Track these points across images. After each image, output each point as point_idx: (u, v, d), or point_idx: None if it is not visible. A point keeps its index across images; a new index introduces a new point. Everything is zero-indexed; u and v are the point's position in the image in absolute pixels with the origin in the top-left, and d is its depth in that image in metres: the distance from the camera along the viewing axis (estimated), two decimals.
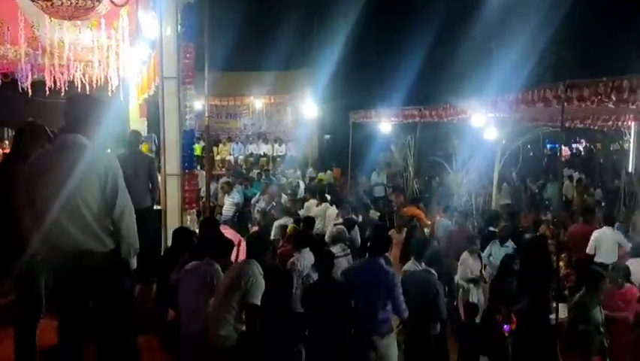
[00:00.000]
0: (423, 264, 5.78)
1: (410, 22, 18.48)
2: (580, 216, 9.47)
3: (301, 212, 9.88)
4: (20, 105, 9.35)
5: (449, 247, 8.02)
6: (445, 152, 14.51)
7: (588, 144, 28.38)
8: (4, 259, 3.74)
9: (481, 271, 7.26)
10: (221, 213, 11.38)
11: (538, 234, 8.49)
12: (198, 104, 10.18)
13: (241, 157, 19.22)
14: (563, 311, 6.72)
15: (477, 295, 7.01)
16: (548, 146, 26.94)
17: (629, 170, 12.63)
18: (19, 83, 8.36)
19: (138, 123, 9.79)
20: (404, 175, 14.90)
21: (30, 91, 8.40)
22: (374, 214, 9.66)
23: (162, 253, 6.17)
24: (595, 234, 8.08)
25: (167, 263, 5.25)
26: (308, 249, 6.16)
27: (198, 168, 12.30)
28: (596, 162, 21.55)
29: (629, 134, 11.96)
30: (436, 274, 5.69)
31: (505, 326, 5.90)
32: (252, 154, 19.42)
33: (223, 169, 16.87)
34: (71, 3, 4.69)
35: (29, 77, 8.24)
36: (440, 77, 18.06)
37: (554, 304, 7.08)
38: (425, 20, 17.65)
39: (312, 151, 20.43)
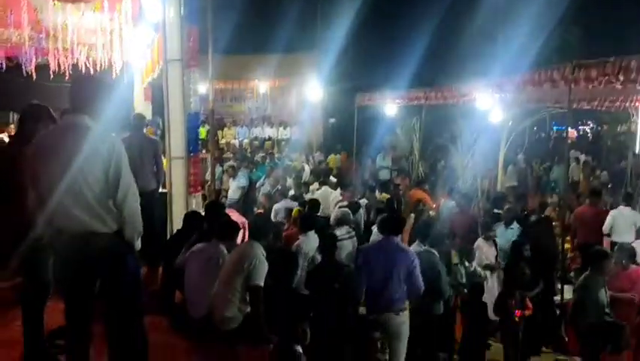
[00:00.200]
0: (427, 245, 5.81)
1: (415, 3, 18.32)
2: (587, 198, 9.43)
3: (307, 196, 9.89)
4: (25, 89, 9.35)
5: (452, 229, 7.99)
6: (451, 134, 14.45)
7: (595, 126, 28.21)
8: (10, 242, 3.77)
9: (496, 258, 7.20)
10: (226, 197, 11.40)
11: (543, 216, 8.47)
12: (202, 88, 10.11)
13: (246, 141, 19.20)
14: (568, 293, 6.75)
15: (492, 282, 6.94)
16: (555, 128, 26.78)
17: (636, 152, 12.55)
18: (24, 67, 8.34)
19: (143, 107, 9.77)
20: (409, 158, 14.87)
21: (34, 75, 8.38)
22: (384, 197, 9.63)
23: (169, 236, 6.19)
24: (612, 213, 8.06)
25: (175, 246, 5.28)
26: (313, 231, 6.18)
27: (203, 151, 12.31)
28: (603, 144, 21.45)
29: (637, 115, 11.85)
30: (437, 255, 5.75)
31: (516, 312, 5.80)
32: (256, 138, 19.38)
33: (228, 153, 16.84)
34: None
35: (33, 60, 8.21)
36: (446, 59, 17.92)
37: (559, 286, 7.13)
38: (431, 1, 17.49)
39: (316, 134, 20.37)
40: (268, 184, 11.44)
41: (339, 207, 7.86)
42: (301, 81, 19.04)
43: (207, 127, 14.12)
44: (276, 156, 16.22)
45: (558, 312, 6.93)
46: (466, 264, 6.74)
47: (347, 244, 6.56)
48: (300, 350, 3.55)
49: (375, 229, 7.26)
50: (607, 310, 5.37)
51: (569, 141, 15.84)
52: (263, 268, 4.58)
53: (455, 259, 6.66)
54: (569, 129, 10.09)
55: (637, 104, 10.73)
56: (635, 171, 11.96)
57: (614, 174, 14.67)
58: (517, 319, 5.79)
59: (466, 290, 6.34)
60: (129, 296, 3.13)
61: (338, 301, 5.26)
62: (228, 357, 4.28)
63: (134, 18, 6.74)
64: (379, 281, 5.00)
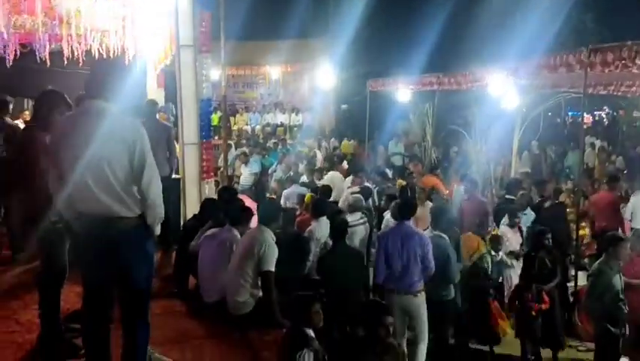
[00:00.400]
0: (437, 230, 5.81)
1: None
2: (602, 184, 9.34)
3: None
4: (39, 76, 9.38)
5: (461, 215, 7.95)
6: (464, 120, 14.33)
7: (611, 111, 27.83)
8: (27, 225, 3.82)
9: (521, 245, 7.13)
10: (238, 183, 11.45)
11: (557, 202, 8.40)
12: (215, 74, 10.13)
13: (258, 127, 19.21)
14: (582, 279, 6.71)
15: (519, 270, 6.75)
16: (570, 113, 26.46)
17: None
18: (37, 54, 8.36)
19: (155, 93, 9.80)
20: (422, 144, 14.78)
21: (48, 61, 8.40)
22: (400, 184, 9.61)
23: (182, 222, 6.25)
24: (632, 198, 7.99)
25: (190, 232, 5.33)
26: (325, 217, 6.18)
27: (216, 138, 12.35)
28: (619, 130, 21.17)
29: None
30: (447, 239, 5.76)
31: (532, 305, 5.72)
32: (268, 124, 19.38)
33: (243, 140, 16.90)
34: None
35: (47, 47, 8.22)
36: (459, 44, 17.64)
37: (573, 273, 7.09)
38: None
39: (329, 120, 20.31)
40: (280, 170, 11.47)
41: (352, 193, 7.84)
42: (313, 67, 18.92)
43: (219, 113, 14.17)
44: (288, 142, 16.23)
45: (572, 299, 6.90)
46: (492, 253, 6.72)
47: (360, 229, 6.56)
48: (312, 334, 3.56)
49: (387, 215, 7.25)
50: (621, 296, 5.33)
51: (585, 127, 15.66)
52: (273, 253, 4.62)
53: (483, 248, 6.62)
54: (585, 115, 9.94)
55: None
56: None
57: (630, 160, 14.49)
58: (533, 313, 5.71)
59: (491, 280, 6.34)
60: (145, 281, 3.16)
61: (349, 286, 5.32)
62: (241, 342, 4.32)
63: (146, 4, 6.74)
64: (399, 265, 5.14)
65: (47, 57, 8.39)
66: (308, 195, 7.77)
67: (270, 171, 12.12)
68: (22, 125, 6.40)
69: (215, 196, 6.67)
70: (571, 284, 7.07)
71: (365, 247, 6.81)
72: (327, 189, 7.93)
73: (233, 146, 14.21)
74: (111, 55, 8.59)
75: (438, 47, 16.96)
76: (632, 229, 7.63)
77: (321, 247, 5.95)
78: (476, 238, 6.77)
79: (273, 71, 19.88)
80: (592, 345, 5.89)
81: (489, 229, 7.51)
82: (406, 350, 4.94)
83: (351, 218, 6.58)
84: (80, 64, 8.44)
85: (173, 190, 6.64)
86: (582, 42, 7.39)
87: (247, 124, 19.59)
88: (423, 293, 5.24)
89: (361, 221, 6.69)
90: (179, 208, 6.68)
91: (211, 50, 6.94)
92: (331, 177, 9.85)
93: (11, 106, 7.13)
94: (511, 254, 6.97)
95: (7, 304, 4.76)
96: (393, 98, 13.53)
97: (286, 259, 4.88)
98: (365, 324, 3.75)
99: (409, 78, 12.41)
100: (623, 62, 5.96)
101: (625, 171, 12.87)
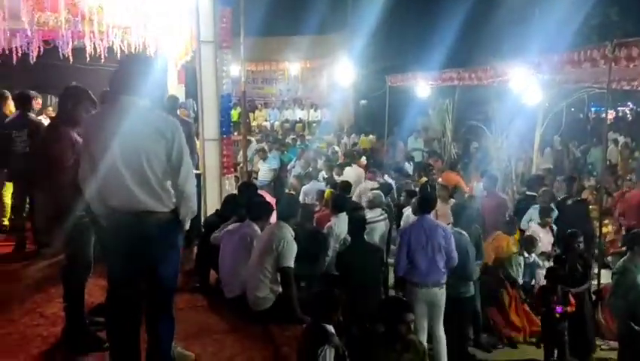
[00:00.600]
0: (457, 227, 5.81)
1: None
2: (627, 180, 9.17)
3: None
4: (61, 72, 9.51)
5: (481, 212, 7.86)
6: (485, 115, 14.18)
7: (635, 107, 27.35)
8: (52, 219, 3.87)
9: (553, 245, 7.00)
10: (256, 179, 11.49)
11: (579, 199, 8.28)
12: (234, 70, 10.18)
13: (277, 123, 19.25)
14: (605, 277, 6.61)
15: None
16: (592, 109, 26.04)
17: None
18: (60, 50, 8.46)
19: (176, 90, 9.87)
20: (442, 140, 14.68)
21: (71, 58, 8.50)
22: (421, 181, 9.56)
23: (203, 218, 6.28)
24: None
25: (212, 227, 5.35)
26: (345, 213, 6.17)
27: (235, 133, 12.39)
28: None
29: None
30: (467, 236, 5.74)
31: (557, 308, 5.58)
32: (287, 120, 19.41)
33: (259, 135, 16.97)
34: None
35: (70, 44, 8.32)
36: (480, 39, 17.43)
37: (596, 271, 6.98)
38: None
39: (347, 116, 20.26)
40: (299, 166, 11.48)
41: (371, 189, 7.82)
42: (332, 63, 18.90)
43: (239, 109, 14.22)
44: (307, 138, 16.24)
45: (594, 297, 6.80)
46: (526, 254, 6.61)
47: (380, 226, 6.55)
48: (332, 330, 3.56)
49: (407, 211, 7.21)
50: None
51: (608, 122, 15.40)
52: (292, 249, 4.62)
53: (514, 248, 6.50)
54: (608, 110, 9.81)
55: None
56: None
57: None
58: (557, 315, 5.58)
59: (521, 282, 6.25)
60: (172, 276, 3.17)
61: (368, 282, 5.32)
62: (262, 337, 4.33)
63: (167, 0, 6.78)
64: (424, 259, 5.17)
65: (70, 54, 8.50)
66: (328, 190, 7.77)
67: (288, 167, 12.14)
68: (45, 121, 6.48)
69: (235, 192, 6.70)
70: (594, 282, 6.97)
71: (385, 244, 6.81)
72: (347, 185, 7.92)
73: (254, 141, 14.27)
74: (133, 51, 8.70)
75: (458, 42, 16.76)
76: None
77: (340, 243, 5.94)
78: (506, 237, 6.68)
79: (292, 67, 19.89)
80: (616, 344, 5.82)
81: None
82: (426, 346, 4.93)
83: (371, 214, 6.57)
84: (103, 60, 8.54)
85: None
86: (606, 36, 7.26)
87: (266, 120, 19.65)
88: (445, 285, 5.30)
89: (381, 217, 6.68)
90: (199, 204, 6.71)
91: (231, 45, 6.97)
92: (351, 173, 9.83)
93: (40, 101, 7.24)
94: (543, 255, 6.81)
95: (31, 297, 4.82)
96: (413, 93, 13.45)
97: (304, 255, 4.88)
98: (385, 321, 3.73)
99: (429, 73, 12.32)
100: None
101: None
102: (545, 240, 6.97)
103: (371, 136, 17.18)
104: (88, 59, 8.37)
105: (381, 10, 17.77)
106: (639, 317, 5.16)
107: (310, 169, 10.90)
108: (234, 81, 8.84)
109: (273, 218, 5.22)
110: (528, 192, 8.42)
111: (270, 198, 6.66)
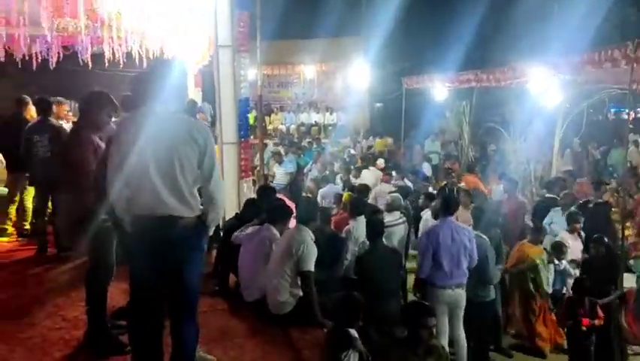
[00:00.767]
0: (478, 230, 5.75)
1: None
2: None
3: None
4: (81, 77, 9.62)
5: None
6: (502, 117, 14.06)
7: None
8: (74, 223, 3.89)
9: (582, 252, 6.77)
10: (272, 182, 11.49)
11: (602, 201, 8.15)
12: (250, 74, 10.20)
13: (293, 126, 19.28)
14: (629, 281, 6.49)
15: None
16: (612, 110, 25.68)
17: None
18: (80, 56, 8.56)
19: (193, 93, 9.92)
20: (459, 142, 14.56)
21: (90, 63, 8.59)
22: (439, 184, 9.50)
23: (222, 221, 6.28)
24: None
25: (231, 231, 5.35)
26: (363, 216, 6.14)
27: (251, 137, 12.40)
28: None
29: None
30: (487, 239, 5.70)
31: (585, 321, 5.37)
32: (303, 123, 19.44)
33: (275, 139, 17.00)
34: None
35: (89, 49, 8.42)
36: (498, 39, 17.28)
37: None
38: None
39: (363, 119, 20.22)
40: (315, 169, 11.47)
41: (390, 192, 7.78)
42: (347, 65, 18.88)
43: (255, 113, 14.26)
44: (323, 141, 16.23)
45: (617, 301, 6.69)
46: (556, 261, 6.41)
47: (399, 229, 6.51)
48: (355, 334, 3.54)
49: (425, 215, 7.15)
50: None
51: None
52: (312, 252, 4.59)
53: (543, 256, 6.25)
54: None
55: None
56: None
57: None
58: (584, 328, 5.38)
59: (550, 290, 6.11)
60: (196, 280, 3.17)
61: (387, 286, 5.27)
62: (283, 341, 4.32)
63: (185, 5, 6.82)
64: (449, 260, 5.17)
65: (89, 59, 8.59)
66: (346, 194, 7.74)
67: (305, 170, 12.13)
68: (66, 126, 6.54)
69: (253, 195, 6.70)
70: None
71: (404, 247, 6.76)
72: (365, 188, 7.89)
73: (270, 145, 14.31)
74: (151, 56, 8.78)
75: (475, 42, 16.64)
76: None
77: (359, 247, 5.91)
78: (529, 246, 6.37)
79: (308, 70, 19.90)
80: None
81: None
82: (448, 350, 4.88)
83: (389, 218, 6.53)
84: (121, 66, 8.62)
85: None
86: (625, 36, 7.15)
87: (282, 123, 19.68)
88: (465, 287, 5.32)
89: (400, 221, 6.63)
90: None
91: (249, 49, 6.99)
92: (370, 176, 9.80)
93: (67, 107, 7.33)
94: (573, 262, 6.56)
95: (53, 300, 4.86)
96: (429, 95, 13.38)
97: (322, 259, 4.86)
98: (407, 325, 3.69)
99: (446, 75, 12.26)
100: None
101: None
102: (574, 247, 6.70)
103: (388, 139, 17.13)
104: (106, 64, 8.46)
105: (396, 11, 17.72)
106: None
107: (327, 172, 10.89)
108: (251, 85, 8.87)
109: (292, 222, 5.20)
110: (547, 195, 8.31)
111: (288, 202, 6.66)
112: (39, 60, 8.47)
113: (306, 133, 18.00)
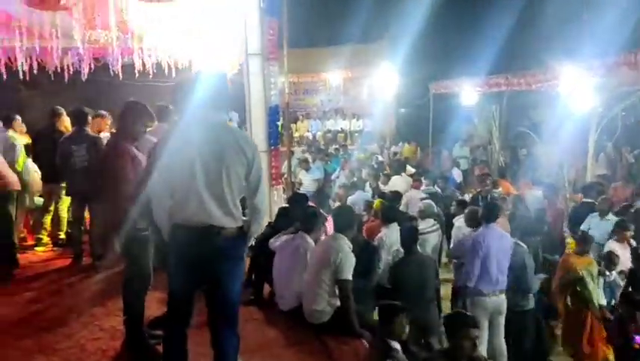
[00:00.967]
0: (516, 238, 5.66)
1: None
2: None
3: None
4: (112, 88, 9.75)
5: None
6: (532, 121, 13.81)
7: None
8: (111, 233, 3.90)
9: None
10: (299, 190, 11.46)
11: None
12: (278, 82, 10.21)
13: (319, 133, 19.27)
14: None
15: None
16: None
17: None
18: (110, 67, 8.67)
19: None
20: (488, 147, 14.35)
21: (120, 74, 8.70)
22: (470, 190, 9.34)
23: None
24: None
25: (265, 239, 5.31)
26: (395, 224, 6.05)
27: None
28: None
29: None
30: (525, 247, 5.61)
31: (637, 339, 5.06)
32: (329, 130, 19.42)
33: (303, 146, 17.01)
34: None
35: (119, 60, 8.52)
36: (528, 42, 16.98)
37: None
38: None
39: (389, 125, 20.11)
40: (343, 176, 11.41)
41: (421, 199, 7.67)
42: (373, 72, 18.79)
43: (281, 121, 14.26)
44: (349, 147, 16.17)
45: None
46: (607, 273, 6.09)
47: (433, 236, 6.42)
48: (397, 346, 3.46)
49: (457, 222, 7.00)
50: None
51: None
52: (350, 261, 4.52)
53: (591, 268, 5.85)
54: None
55: None
56: None
57: None
58: (636, 346, 5.07)
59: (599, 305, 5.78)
60: (237, 290, 3.14)
61: (423, 295, 5.18)
62: (320, 351, 4.25)
63: (215, 15, 6.84)
64: (496, 268, 5.22)
65: (120, 70, 8.70)
66: (377, 201, 7.65)
67: (332, 177, 12.08)
68: (102, 136, 6.60)
69: (283, 203, 6.67)
70: None
71: (437, 255, 6.65)
72: (397, 195, 7.80)
73: (298, 152, 14.31)
74: (179, 67, 8.86)
75: (504, 44, 16.34)
76: None
77: (393, 255, 5.81)
78: (575, 256, 6.03)
79: (333, 77, 19.89)
80: None
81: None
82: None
83: (423, 225, 6.45)
84: (151, 76, 8.70)
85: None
86: None
87: (308, 131, 19.69)
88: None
89: (434, 228, 6.54)
90: None
91: (278, 57, 6.99)
92: (401, 182, 9.70)
93: (109, 121, 7.43)
94: (622, 273, 6.22)
95: (90, 310, 4.89)
96: (457, 100, 13.22)
97: (355, 268, 4.77)
98: (450, 336, 3.60)
99: (475, 79, 12.09)
100: None
101: None
102: (624, 257, 6.30)
103: (412, 144, 16.99)
104: (136, 75, 8.55)
105: (422, 16, 17.57)
106: None
107: (355, 179, 10.81)
108: (279, 93, 8.87)
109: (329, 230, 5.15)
110: (585, 200, 8.09)
111: None
112: (70, 72, 8.61)
113: (333, 140, 17.97)
